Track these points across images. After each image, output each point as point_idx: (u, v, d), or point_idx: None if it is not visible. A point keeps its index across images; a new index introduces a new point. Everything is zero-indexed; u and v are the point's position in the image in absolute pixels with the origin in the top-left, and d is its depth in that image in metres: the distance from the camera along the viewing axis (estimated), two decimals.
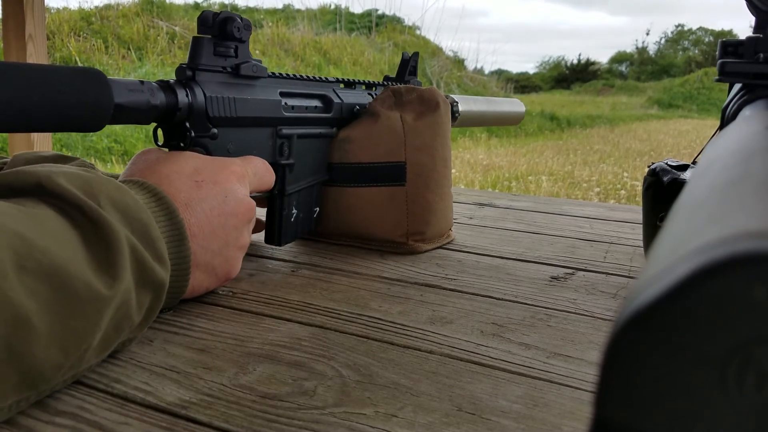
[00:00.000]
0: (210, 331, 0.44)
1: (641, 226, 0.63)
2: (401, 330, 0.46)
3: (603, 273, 0.61)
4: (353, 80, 0.70)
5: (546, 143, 7.41)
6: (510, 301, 0.53)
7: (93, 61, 5.47)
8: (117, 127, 4.19)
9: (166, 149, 0.51)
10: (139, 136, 4.37)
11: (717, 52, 0.43)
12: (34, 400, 0.32)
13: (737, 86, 0.43)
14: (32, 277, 0.30)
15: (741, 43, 0.42)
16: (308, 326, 0.46)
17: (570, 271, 0.62)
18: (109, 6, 6.73)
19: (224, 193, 0.48)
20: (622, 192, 4.10)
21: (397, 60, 0.79)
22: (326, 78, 0.66)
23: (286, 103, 0.59)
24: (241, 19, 0.52)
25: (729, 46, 0.42)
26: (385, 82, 0.75)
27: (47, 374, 0.31)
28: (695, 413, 0.11)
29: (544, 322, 0.48)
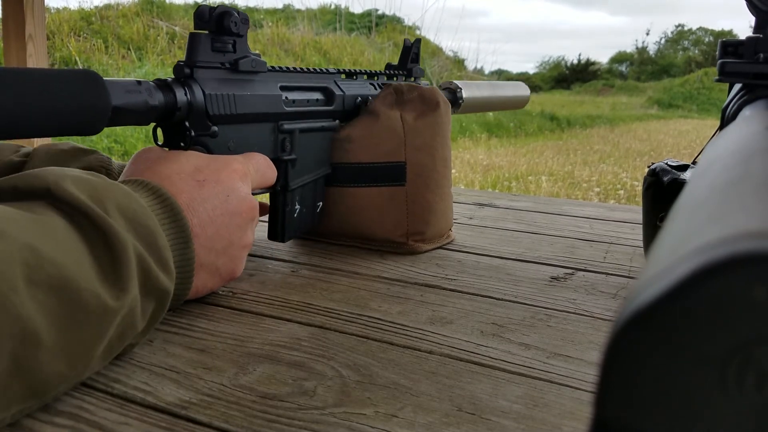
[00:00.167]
0: (210, 331, 0.44)
1: (641, 226, 0.63)
2: (401, 330, 0.46)
3: (603, 273, 0.61)
4: (354, 70, 0.69)
5: (546, 143, 7.41)
6: (510, 301, 0.53)
7: (93, 61, 5.47)
8: (116, 128, 4.18)
9: (167, 148, 0.50)
10: (139, 136, 4.36)
11: (717, 52, 0.43)
12: (36, 407, 0.32)
13: (737, 86, 0.43)
14: (42, 291, 0.30)
15: (741, 43, 0.42)
16: (308, 326, 0.46)
17: (570, 271, 0.62)
18: (109, 6, 6.73)
19: (226, 192, 0.47)
20: (621, 192, 4.10)
21: (397, 60, 0.78)
22: (327, 69, 0.65)
23: (286, 97, 0.58)
24: (239, 13, 0.51)
25: (729, 46, 0.42)
26: (388, 71, 0.74)
27: (52, 385, 0.31)
28: (695, 413, 0.11)
29: (544, 322, 0.48)
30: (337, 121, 0.65)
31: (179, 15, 7.18)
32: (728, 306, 0.11)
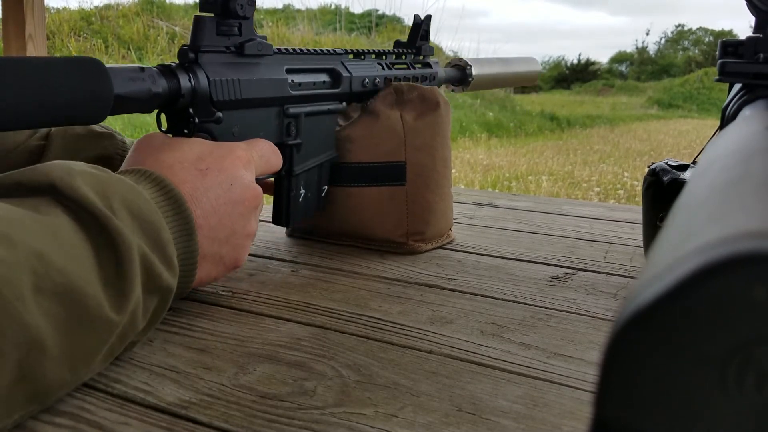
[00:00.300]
0: (210, 331, 0.44)
1: (641, 226, 0.63)
2: (401, 330, 0.46)
3: (603, 273, 0.61)
4: (362, 50, 0.67)
5: (546, 143, 7.40)
6: (510, 301, 0.53)
7: None
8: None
9: (170, 134, 0.49)
10: (141, 124, 4.36)
11: (717, 52, 0.43)
12: (38, 411, 0.32)
13: (737, 86, 0.43)
14: (48, 299, 0.30)
15: (741, 43, 0.42)
16: (308, 326, 0.46)
17: (570, 271, 0.62)
18: (109, 6, 6.73)
19: (230, 180, 0.46)
20: (621, 192, 4.10)
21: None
22: (334, 50, 0.63)
23: (292, 81, 0.57)
24: None
25: (729, 46, 0.42)
26: (396, 49, 0.72)
27: (54, 390, 0.31)
28: (695, 413, 0.11)
29: (544, 322, 0.48)
30: (344, 104, 0.64)
31: (179, 15, 7.18)
32: (728, 306, 0.11)
